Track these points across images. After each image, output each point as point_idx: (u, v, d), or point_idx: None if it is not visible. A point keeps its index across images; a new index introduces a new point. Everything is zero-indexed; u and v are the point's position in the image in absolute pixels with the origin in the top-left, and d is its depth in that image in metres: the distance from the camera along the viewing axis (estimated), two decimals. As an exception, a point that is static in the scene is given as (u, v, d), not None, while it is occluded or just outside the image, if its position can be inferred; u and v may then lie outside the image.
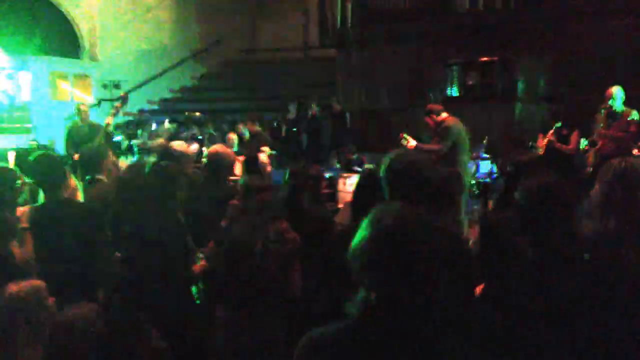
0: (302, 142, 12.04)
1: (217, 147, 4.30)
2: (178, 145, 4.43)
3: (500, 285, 2.19)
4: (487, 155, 8.15)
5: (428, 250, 1.38)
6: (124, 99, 8.15)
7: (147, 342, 2.68)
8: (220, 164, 4.01)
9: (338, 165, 9.74)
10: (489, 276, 2.41)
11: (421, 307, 1.36)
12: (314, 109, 12.08)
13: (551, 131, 7.06)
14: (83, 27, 15.90)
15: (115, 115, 7.72)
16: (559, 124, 7.03)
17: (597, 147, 6.63)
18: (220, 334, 3.01)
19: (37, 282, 2.53)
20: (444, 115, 6.74)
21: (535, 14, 9.58)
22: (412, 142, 6.61)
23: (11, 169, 3.84)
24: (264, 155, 6.61)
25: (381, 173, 2.32)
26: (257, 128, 8.45)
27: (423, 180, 2.28)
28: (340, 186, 8.06)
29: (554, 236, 2.17)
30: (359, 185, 2.70)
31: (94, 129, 7.92)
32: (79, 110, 8.27)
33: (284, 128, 12.45)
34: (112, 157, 4.55)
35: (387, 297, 1.37)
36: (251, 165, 4.27)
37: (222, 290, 2.92)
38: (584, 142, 6.90)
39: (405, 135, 6.73)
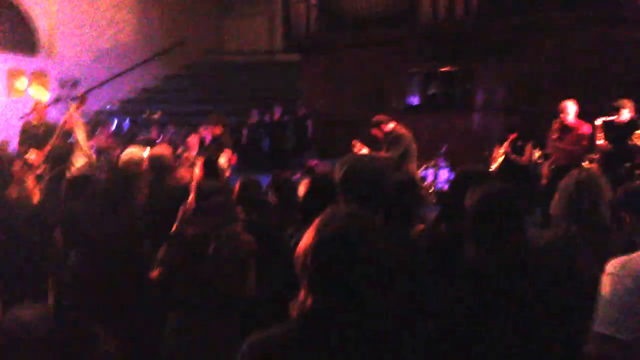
0: (263, 146, 12.03)
1: (157, 149, 4.30)
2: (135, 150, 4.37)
3: (447, 296, 2.21)
4: (446, 164, 8.31)
5: (370, 259, 1.39)
6: (82, 99, 7.96)
7: (97, 346, 2.62)
8: (160, 165, 4.00)
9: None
10: (436, 285, 2.43)
11: (353, 315, 1.37)
12: (277, 113, 12.08)
13: (506, 142, 7.25)
14: (41, 23, 15.51)
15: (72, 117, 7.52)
16: (513, 136, 7.24)
17: (550, 159, 6.81)
18: (173, 337, 2.97)
19: None
20: (392, 125, 6.82)
21: (496, 26, 9.80)
22: (364, 150, 6.67)
23: None
24: (224, 159, 6.55)
25: (337, 178, 2.31)
26: (219, 131, 8.37)
27: (381, 187, 2.29)
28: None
29: (505, 243, 2.20)
30: (309, 190, 2.69)
31: (50, 128, 7.73)
32: (34, 109, 8.05)
33: (245, 132, 12.41)
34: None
35: (321, 302, 1.38)
36: (209, 168, 4.22)
37: (175, 293, 2.88)
38: (537, 154, 7.10)
39: (356, 144, 6.81)
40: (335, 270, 1.38)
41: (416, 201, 2.94)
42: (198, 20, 18.77)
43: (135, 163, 4.12)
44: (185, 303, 2.82)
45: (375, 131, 6.86)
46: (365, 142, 6.88)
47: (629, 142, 6.30)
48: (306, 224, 2.73)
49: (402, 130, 6.77)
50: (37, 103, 8.08)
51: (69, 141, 7.81)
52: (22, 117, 7.90)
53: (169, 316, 2.92)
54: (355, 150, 6.64)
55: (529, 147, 7.22)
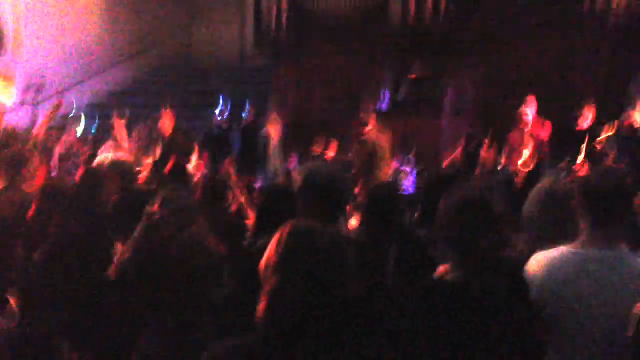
0: (232, 149, 11.94)
1: (120, 154, 4.22)
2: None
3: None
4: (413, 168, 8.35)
5: (329, 274, 1.40)
6: (58, 104, 7.73)
7: (59, 355, 2.56)
8: (124, 171, 3.94)
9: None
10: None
11: (315, 330, 1.37)
12: (249, 116, 11.98)
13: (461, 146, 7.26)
14: (7, 22, 15.16)
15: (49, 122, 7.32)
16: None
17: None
18: (140, 346, 2.90)
19: None
20: (368, 128, 6.88)
21: (465, 28, 9.93)
22: (331, 153, 6.73)
23: None
24: (192, 164, 6.39)
25: (296, 186, 2.30)
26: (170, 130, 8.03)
27: (341, 196, 2.28)
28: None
29: (480, 249, 2.20)
30: (265, 200, 2.68)
31: (9, 134, 7.51)
32: None
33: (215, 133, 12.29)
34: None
35: (283, 314, 1.38)
36: (177, 173, 4.14)
37: (139, 302, 2.82)
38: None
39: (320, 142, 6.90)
40: (296, 286, 1.38)
41: (395, 208, 2.95)
42: (167, 24, 18.59)
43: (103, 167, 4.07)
44: (150, 312, 2.76)
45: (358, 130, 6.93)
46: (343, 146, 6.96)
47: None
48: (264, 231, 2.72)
49: (373, 134, 6.82)
50: None
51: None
52: None
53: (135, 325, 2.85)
54: (317, 149, 6.69)
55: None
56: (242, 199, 3.72)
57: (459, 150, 7.29)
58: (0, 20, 15.07)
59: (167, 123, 7.91)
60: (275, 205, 2.63)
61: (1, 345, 2.32)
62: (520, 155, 6.68)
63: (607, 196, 2.11)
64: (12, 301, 3.18)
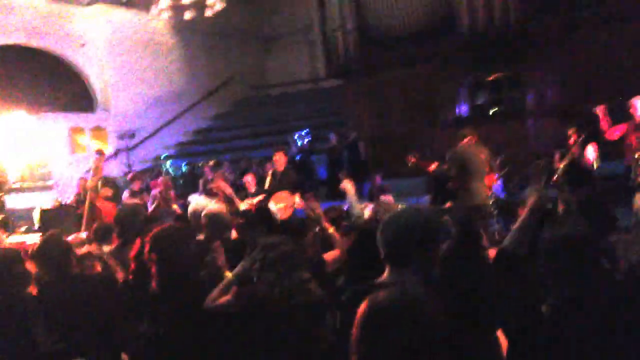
0: (318, 174, 12.13)
1: (214, 206, 4.28)
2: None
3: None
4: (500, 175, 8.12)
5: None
6: (99, 153, 8.03)
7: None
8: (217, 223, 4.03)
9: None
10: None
11: None
12: (333, 137, 12.11)
13: (574, 144, 6.92)
14: (95, 81, 16.28)
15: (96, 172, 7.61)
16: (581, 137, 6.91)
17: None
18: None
19: None
20: (465, 140, 6.88)
21: (538, 26, 9.60)
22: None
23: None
24: (276, 205, 6.35)
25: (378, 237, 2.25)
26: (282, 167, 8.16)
27: (422, 243, 2.24)
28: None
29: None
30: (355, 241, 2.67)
31: (108, 182, 8.00)
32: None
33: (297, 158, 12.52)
34: None
35: None
36: (260, 216, 4.15)
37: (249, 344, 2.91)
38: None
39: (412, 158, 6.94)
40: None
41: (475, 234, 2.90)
42: (241, 58, 19.26)
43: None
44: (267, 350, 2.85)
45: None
46: (424, 157, 6.99)
47: None
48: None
49: (461, 147, 6.80)
50: (96, 160, 8.17)
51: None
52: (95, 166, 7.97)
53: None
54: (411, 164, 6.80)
55: (594, 149, 6.91)
56: (330, 230, 3.69)
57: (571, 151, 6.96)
58: (89, 79, 16.21)
59: (280, 160, 8.10)
60: (365, 246, 2.64)
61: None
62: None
63: None
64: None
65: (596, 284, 2.10)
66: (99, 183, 7.55)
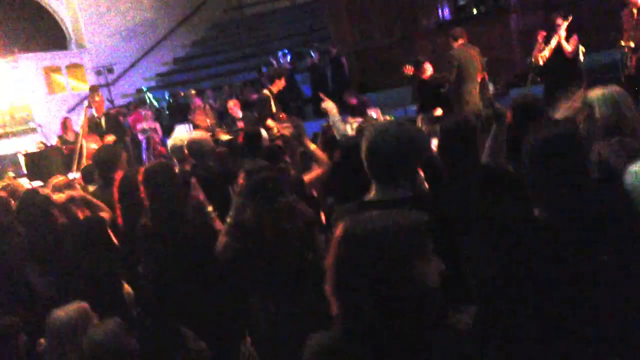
0: (301, 93, 11.91)
1: (196, 134, 4.20)
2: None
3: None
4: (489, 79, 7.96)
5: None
6: (92, 89, 7.90)
7: (184, 346, 2.70)
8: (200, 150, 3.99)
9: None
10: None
11: None
12: (315, 55, 11.79)
13: (559, 31, 6.76)
14: (65, 17, 15.67)
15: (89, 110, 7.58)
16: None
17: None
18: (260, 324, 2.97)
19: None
20: (459, 42, 6.66)
21: None
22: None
23: None
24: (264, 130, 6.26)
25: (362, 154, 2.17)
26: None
27: (408, 161, 2.15)
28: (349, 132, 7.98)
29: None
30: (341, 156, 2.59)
31: (110, 118, 7.85)
32: (93, 103, 7.87)
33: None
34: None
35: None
36: (250, 143, 4.09)
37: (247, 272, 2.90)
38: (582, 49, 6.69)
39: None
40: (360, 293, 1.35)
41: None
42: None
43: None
44: (261, 285, 2.83)
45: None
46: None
47: None
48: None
49: (457, 49, 6.60)
50: (92, 97, 7.98)
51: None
52: (87, 106, 7.83)
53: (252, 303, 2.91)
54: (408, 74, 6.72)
55: (574, 40, 6.77)
56: (312, 147, 3.51)
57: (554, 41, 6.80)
58: (60, 15, 15.57)
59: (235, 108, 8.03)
60: (349, 163, 2.54)
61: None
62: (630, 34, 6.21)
63: None
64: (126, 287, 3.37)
65: (584, 193, 2.03)
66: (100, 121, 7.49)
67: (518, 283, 1.69)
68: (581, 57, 6.88)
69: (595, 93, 2.57)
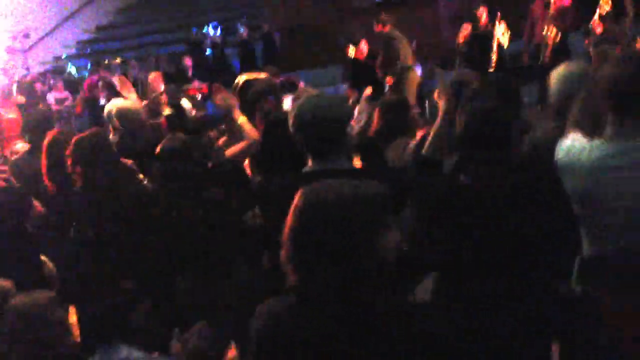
0: (231, 68, 11.70)
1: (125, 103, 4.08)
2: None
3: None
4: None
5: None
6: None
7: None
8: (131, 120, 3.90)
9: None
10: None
11: None
12: (244, 30, 11.59)
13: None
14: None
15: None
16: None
17: None
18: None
19: None
20: (387, 27, 6.82)
21: None
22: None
23: None
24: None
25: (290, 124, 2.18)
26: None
27: (335, 132, 2.20)
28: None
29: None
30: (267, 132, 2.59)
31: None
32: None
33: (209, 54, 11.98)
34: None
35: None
36: (175, 117, 3.99)
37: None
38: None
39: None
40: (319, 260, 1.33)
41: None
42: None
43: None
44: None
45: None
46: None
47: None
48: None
49: (390, 31, 6.75)
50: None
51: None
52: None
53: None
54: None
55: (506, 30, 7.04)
56: (240, 120, 3.46)
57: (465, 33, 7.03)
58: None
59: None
60: (274, 137, 2.51)
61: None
62: (543, 27, 6.50)
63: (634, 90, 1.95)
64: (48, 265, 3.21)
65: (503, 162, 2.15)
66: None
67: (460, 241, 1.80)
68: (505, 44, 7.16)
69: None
